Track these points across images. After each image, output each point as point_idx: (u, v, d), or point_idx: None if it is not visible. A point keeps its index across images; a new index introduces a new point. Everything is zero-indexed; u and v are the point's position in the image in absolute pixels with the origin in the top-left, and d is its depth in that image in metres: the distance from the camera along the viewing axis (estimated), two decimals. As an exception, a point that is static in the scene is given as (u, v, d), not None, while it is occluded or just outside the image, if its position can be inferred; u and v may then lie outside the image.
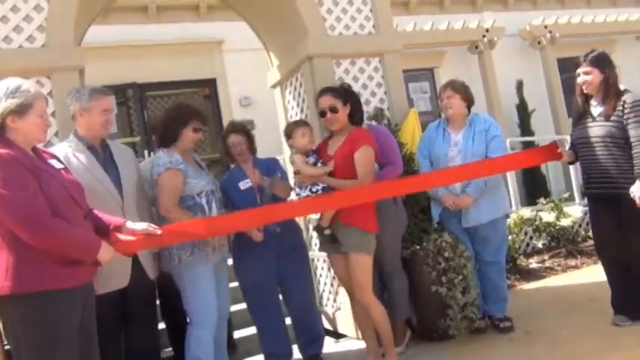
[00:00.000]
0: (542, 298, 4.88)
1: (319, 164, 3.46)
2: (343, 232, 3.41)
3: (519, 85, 9.80)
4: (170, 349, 3.92)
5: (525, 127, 9.68)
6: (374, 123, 4.34)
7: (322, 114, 3.54)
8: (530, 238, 6.47)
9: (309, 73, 4.47)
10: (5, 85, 2.38)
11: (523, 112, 9.77)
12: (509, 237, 5.86)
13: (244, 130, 3.75)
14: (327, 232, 3.45)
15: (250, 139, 3.75)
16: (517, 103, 9.80)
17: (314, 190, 3.35)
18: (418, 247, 3.87)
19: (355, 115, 3.63)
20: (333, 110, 3.48)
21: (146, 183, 3.37)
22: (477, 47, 9.69)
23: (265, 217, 3.24)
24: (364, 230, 3.38)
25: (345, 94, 3.59)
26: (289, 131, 3.62)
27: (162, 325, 4.04)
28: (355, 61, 4.62)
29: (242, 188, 3.55)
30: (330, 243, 3.52)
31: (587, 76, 3.66)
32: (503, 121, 9.38)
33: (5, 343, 2.60)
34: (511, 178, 6.92)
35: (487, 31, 9.62)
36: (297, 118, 4.81)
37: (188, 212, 3.20)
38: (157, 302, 3.53)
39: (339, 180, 3.38)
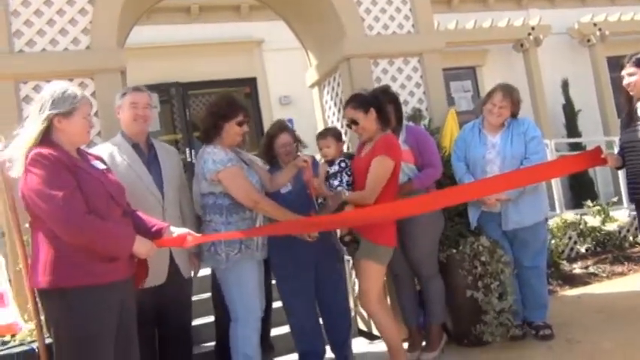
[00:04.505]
0: (584, 305, 4.71)
1: (344, 173, 3.51)
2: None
3: (565, 85, 9.51)
4: (211, 343, 3.96)
5: (572, 129, 9.38)
6: (411, 124, 4.29)
7: (349, 126, 3.58)
8: (575, 242, 6.27)
9: (346, 73, 4.45)
10: (52, 89, 2.47)
11: (570, 112, 9.47)
12: (552, 241, 5.71)
13: (293, 131, 3.82)
14: (346, 238, 3.55)
15: (296, 140, 3.79)
16: (563, 104, 9.52)
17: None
18: (455, 250, 3.81)
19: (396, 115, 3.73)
20: (354, 123, 3.48)
21: (195, 178, 3.36)
22: (522, 45, 9.43)
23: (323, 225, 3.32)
24: (374, 242, 3.36)
25: (366, 102, 3.45)
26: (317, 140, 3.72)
27: (206, 320, 4.10)
28: (393, 61, 4.58)
29: (282, 192, 3.58)
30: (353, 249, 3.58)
31: (631, 78, 3.55)
32: (549, 121, 9.12)
33: (47, 336, 2.68)
34: (556, 180, 6.72)
35: (533, 29, 9.32)
36: (335, 117, 4.81)
37: (275, 203, 3.28)
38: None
39: (350, 193, 3.39)
